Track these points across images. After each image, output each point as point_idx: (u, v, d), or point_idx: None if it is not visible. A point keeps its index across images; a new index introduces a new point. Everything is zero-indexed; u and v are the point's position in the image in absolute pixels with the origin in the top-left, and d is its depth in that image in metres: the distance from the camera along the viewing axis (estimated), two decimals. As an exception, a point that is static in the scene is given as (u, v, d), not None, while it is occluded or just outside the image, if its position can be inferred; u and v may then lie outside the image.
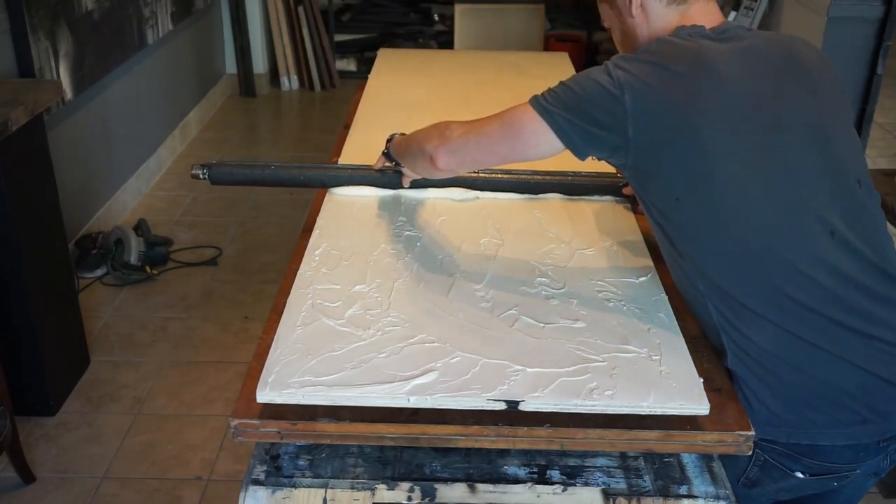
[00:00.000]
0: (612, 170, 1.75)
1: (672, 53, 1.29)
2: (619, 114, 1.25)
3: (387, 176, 1.76)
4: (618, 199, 1.79)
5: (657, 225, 1.36)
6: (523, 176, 1.78)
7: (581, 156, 1.32)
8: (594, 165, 1.57)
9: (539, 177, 1.79)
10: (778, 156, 1.27)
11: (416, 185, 1.75)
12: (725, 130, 1.25)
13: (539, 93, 1.35)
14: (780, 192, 1.26)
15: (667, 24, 1.36)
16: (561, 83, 1.33)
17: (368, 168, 1.78)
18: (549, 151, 1.34)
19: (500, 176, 1.78)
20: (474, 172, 1.77)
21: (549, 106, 1.31)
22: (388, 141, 1.71)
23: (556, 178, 1.79)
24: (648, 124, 1.25)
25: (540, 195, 1.78)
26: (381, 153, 1.74)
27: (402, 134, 1.67)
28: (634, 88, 1.25)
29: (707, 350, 1.34)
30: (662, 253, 1.41)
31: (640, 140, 1.26)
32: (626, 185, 1.75)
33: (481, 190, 1.78)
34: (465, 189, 1.77)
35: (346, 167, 1.81)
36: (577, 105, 1.28)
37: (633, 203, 1.74)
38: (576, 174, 1.78)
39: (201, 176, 1.75)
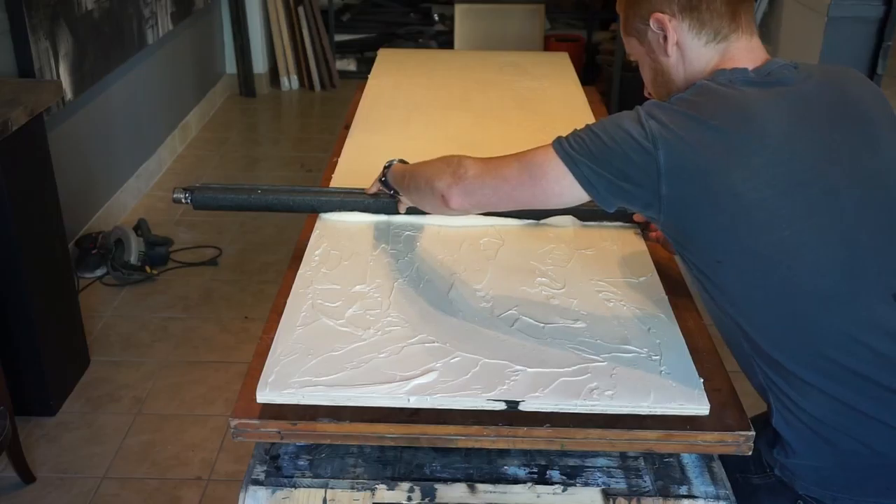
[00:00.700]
0: None
1: (712, 105, 1.17)
2: (652, 170, 1.14)
3: (381, 201, 1.65)
4: (628, 224, 1.67)
5: (697, 280, 1.26)
6: None
7: (608, 207, 1.22)
8: None
9: None
10: (833, 220, 1.15)
11: (412, 210, 1.63)
12: (773, 194, 1.13)
13: (563, 135, 1.24)
14: (835, 259, 1.15)
15: (704, 64, 1.25)
16: (588, 128, 1.22)
17: (362, 192, 1.67)
18: (572, 201, 1.23)
19: None
20: None
21: (574, 153, 1.20)
22: (386, 168, 1.59)
23: None
24: (684, 184, 1.14)
25: (543, 221, 1.67)
26: (376, 179, 1.63)
27: (402, 161, 1.59)
28: (669, 144, 1.14)
29: (707, 350, 1.34)
30: (702, 301, 1.31)
31: (675, 199, 1.15)
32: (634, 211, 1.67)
33: (481, 215, 1.65)
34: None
35: (337, 191, 1.69)
36: (604, 156, 1.17)
37: (644, 229, 1.65)
38: None
39: (183, 200, 1.63)
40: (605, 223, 1.66)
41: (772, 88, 1.19)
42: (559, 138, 1.23)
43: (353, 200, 1.66)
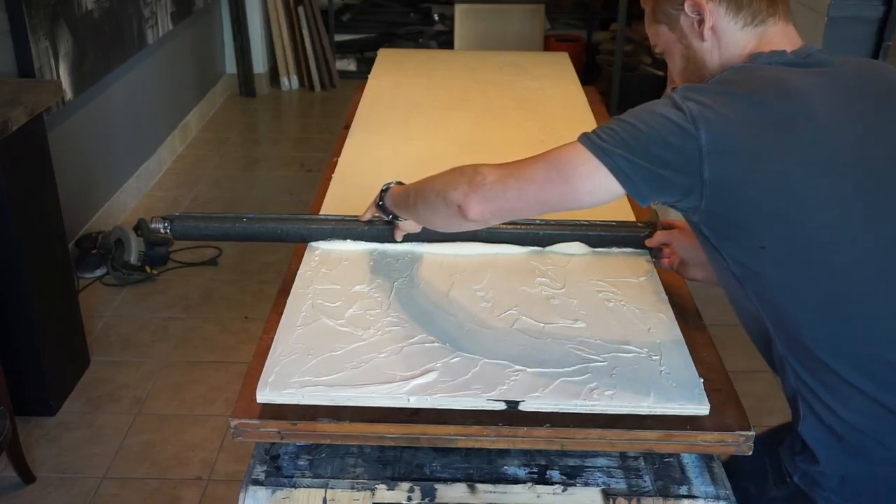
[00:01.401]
0: (628, 215, 1.67)
1: (753, 82, 1.12)
2: (693, 153, 1.07)
3: (376, 228, 1.55)
4: (639, 251, 1.57)
5: (732, 275, 1.18)
6: (530, 227, 1.56)
7: (644, 201, 1.14)
8: (612, 212, 1.55)
9: (549, 228, 1.56)
10: (885, 200, 1.11)
11: (409, 238, 1.54)
12: (821, 171, 1.08)
13: (587, 132, 1.16)
14: (883, 242, 1.10)
15: (741, 49, 1.20)
16: (616, 119, 1.15)
17: (355, 219, 1.56)
18: (605, 198, 1.15)
19: (502, 227, 1.54)
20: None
21: (606, 144, 1.12)
22: (383, 191, 1.48)
23: (568, 228, 1.57)
24: (728, 163, 1.08)
25: (548, 248, 1.57)
26: (371, 204, 1.51)
27: (399, 183, 1.48)
28: (711, 122, 1.07)
29: (707, 350, 1.34)
30: (732, 302, 1.25)
31: (717, 182, 1.08)
32: (648, 235, 1.55)
33: (483, 242, 1.55)
34: (463, 243, 1.55)
35: (328, 218, 1.59)
36: (640, 143, 1.10)
37: (655, 256, 1.55)
38: (590, 224, 1.57)
39: (162, 230, 1.53)
40: (615, 249, 1.57)
41: (813, 69, 1.15)
42: (585, 133, 1.15)
43: (346, 228, 1.56)
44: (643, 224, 1.59)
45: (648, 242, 1.54)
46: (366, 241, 1.56)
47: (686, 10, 1.21)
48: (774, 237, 1.11)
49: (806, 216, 1.09)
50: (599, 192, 1.14)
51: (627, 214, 1.70)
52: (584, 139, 1.14)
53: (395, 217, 1.47)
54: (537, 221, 1.55)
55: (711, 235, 1.16)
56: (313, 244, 1.56)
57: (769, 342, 1.20)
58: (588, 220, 1.57)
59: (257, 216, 1.56)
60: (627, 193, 1.13)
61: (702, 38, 1.21)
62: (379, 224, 1.54)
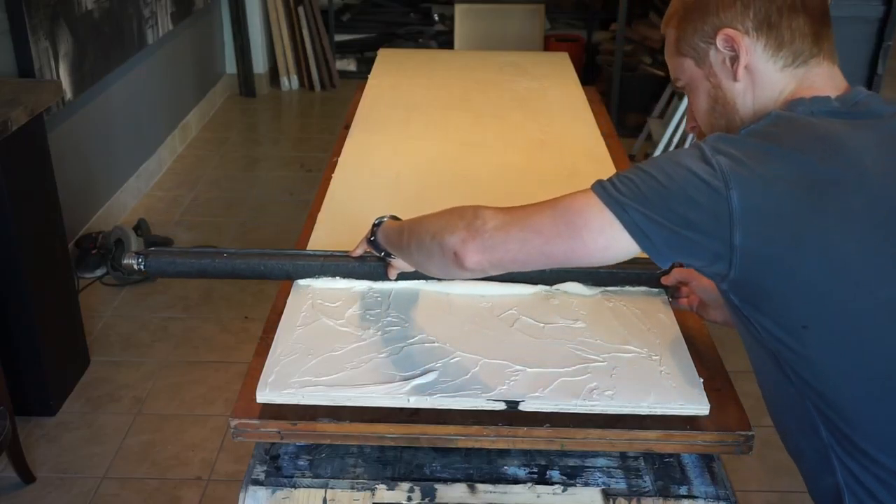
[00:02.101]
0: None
1: (795, 136, 0.99)
2: (723, 214, 0.95)
3: (368, 265, 1.42)
4: (654, 290, 1.44)
5: (765, 349, 1.06)
6: None
7: (663, 262, 1.02)
8: None
9: None
10: None
11: (404, 276, 1.41)
12: (874, 243, 0.96)
13: (604, 179, 1.05)
14: None
15: (778, 93, 1.07)
16: (637, 168, 1.03)
17: (345, 255, 1.44)
18: (619, 255, 1.03)
19: None
20: None
21: (622, 197, 1.00)
22: (375, 225, 1.36)
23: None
24: (763, 230, 0.95)
25: (557, 287, 1.43)
26: (363, 239, 1.39)
27: (394, 217, 1.36)
28: (744, 181, 0.95)
29: (707, 350, 1.34)
30: (759, 375, 1.13)
31: (751, 249, 0.96)
32: (664, 273, 1.41)
33: (482, 281, 1.40)
34: (464, 281, 1.41)
35: (316, 254, 1.46)
36: (661, 199, 0.98)
37: (672, 294, 1.42)
38: None
39: (135, 266, 1.41)
40: (629, 288, 1.43)
41: (861, 120, 1.02)
42: (600, 181, 1.04)
43: (335, 265, 1.44)
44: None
45: (665, 280, 1.41)
46: (357, 278, 1.44)
47: (718, 44, 1.08)
48: (820, 316, 0.98)
49: (857, 294, 0.96)
50: (613, 249, 1.03)
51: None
52: (599, 188, 1.03)
53: (388, 254, 1.35)
54: None
55: (743, 306, 1.04)
56: (300, 282, 1.44)
57: (810, 428, 1.05)
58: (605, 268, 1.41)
59: (239, 251, 1.43)
60: (644, 252, 1.02)
61: (734, 77, 1.08)
62: (371, 261, 1.41)
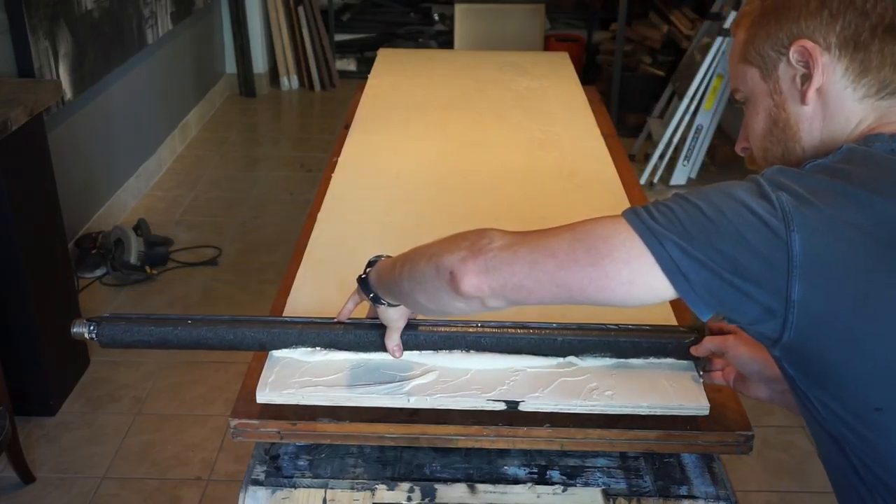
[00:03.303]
0: (666, 317, 1.35)
1: (871, 175, 0.84)
2: (780, 260, 0.80)
3: (353, 334, 1.22)
4: (682, 362, 1.24)
5: (827, 433, 0.89)
6: (545, 331, 1.23)
7: (701, 311, 0.86)
8: (641, 314, 1.23)
9: (568, 332, 1.23)
10: None
11: (407, 346, 1.21)
12: None
13: (638, 206, 0.89)
14: None
15: (852, 126, 0.91)
16: (678, 196, 0.86)
17: (328, 322, 1.23)
18: (645, 296, 0.87)
19: (512, 331, 1.22)
20: (482, 326, 1.22)
21: (657, 226, 0.84)
22: (370, 264, 1.16)
23: (593, 334, 1.23)
24: (829, 285, 0.80)
25: (570, 360, 1.24)
26: (353, 293, 1.19)
27: (390, 257, 1.13)
28: (809, 223, 0.80)
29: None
30: (825, 467, 0.97)
31: (811, 308, 0.80)
32: (694, 342, 1.20)
33: (488, 351, 1.23)
34: (462, 354, 1.23)
35: (295, 321, 1.26)
36: (705, 235, 0.82)
37: (703, 367, 1.22)
38: (620, 328, 1.23)
39: (87, 335, 1.21)
40: (653, 360, 1.23)
41: None
42: (632, 208, 0.88)
43: (316, 333, 1.23)
44: (686, 329, 1.25)
45: (695, 351, 1.20)
46: (341, 349, 1.23)
47: (791, 57, 0.92)
48: None
49: None
50: (639, 286, 0.86)
51: (665, 316, 1.37)
52: (630, 214, 0.87)
53: (377, 299, 1.13)
54: (554, 325, 1.22)
55: (799, 379, 0.88)
56: (275, 353, 1.24)
57: None
58: (617, 324, 1.23)
59: (206, 318, 1.23)
60: (679, 296, 0.85)
61: (802, 100, 0.92)
62: (360, 329, 1.22)
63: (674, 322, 1.36)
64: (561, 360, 1.23)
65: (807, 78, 0.91)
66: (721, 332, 1.17)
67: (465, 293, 0.93)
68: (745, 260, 0.81)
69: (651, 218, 0.85)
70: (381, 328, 1.19)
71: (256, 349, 1.26)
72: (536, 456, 1.22)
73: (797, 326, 0.81)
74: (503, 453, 1.22)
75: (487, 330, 1.22)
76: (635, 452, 1.22)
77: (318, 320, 1.25)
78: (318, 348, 1.23)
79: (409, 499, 1.18)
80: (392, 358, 1.21)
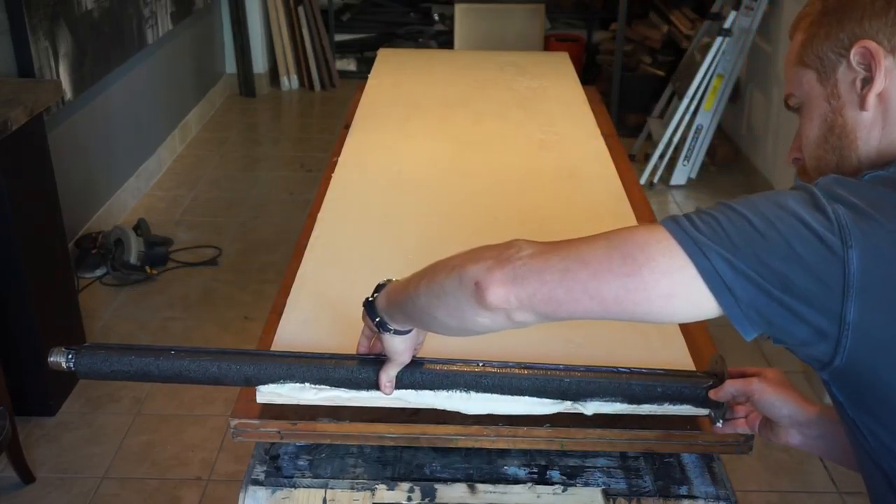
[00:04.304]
0: (679, 358, 1.28)
1: None
2: (835, 278, 0.75)
3: (347, 368, 1.13)
4: (702, 410, 1.15)
5: (876, 466, 0.84)
6: (550, 372, 1.13)
7: (747, 331, 0.80)
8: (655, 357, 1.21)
9: (578, 374, 1.13)
10: None
11: (401, 384, 1.11)
12: None
13: (680, 214, 0.83)
14: None
15: None
16: (723, 205, 0.81)
17: (319, 356, 1.15)
18: (684, 311, 0.81)
19: (516, 371, 1.13)
20: (484, 366, 1.13)
21: (701, 237, 0.78)
22: (376, 291, 1.06)
23: (604, 376, 1.13)
24: (889, 306, 0.75)
25: (575, 404, 1.15)
26: (365, 328, 1.09)
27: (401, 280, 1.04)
28: (868, 238, 0.75)
29: (707, 350, 1.34)
30: (870, 494, 0.90)
31: (867, 330, 0.76)
32: (713, 386, 1.11)
33: (489, 392, 1.14)
34: (464, 395, 1.14)
35: (284, 355, 1.18)
36: (754, 248, 0.77)
37: (720, 416, 1.12)
38: (633, 372, 1.14)
39: (64, 365, 1.15)
40: (668, 406, 1.15)
41: None
42: (672, 217, 0.82)
43: (305, 368, 1.14)
44: (704, 373, 1.16)
45: (715, 395, 1.10)
46: (332, 385, 1.15)
47: (852, 59, 0.87)
48: None
49: None
50: (679, 299, 0.80)
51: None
52: (670, 223, 0.81)
53: (383, 325, 1.03)
54: (560, 366, 1.14)
55: (849, 405, 0.83)
56: (262, 389, 1.16)
57: None
58: (629, 367, 1.15)
59: (189, 349, 1.15)
60: (724, 313, 0.79)
61: (862, 105, 0.87)
62: (356, 364, 1.13)
63: (692, 368, 1.27)
64: (567, 403, 1.14)
65: (867, 81, 0.86)
66: (743, 375, 1.09)
67: (491, 304, 0.85)
68: (796, 277, 0.75)
69: (693, 227, 0.79)
70: (377, 363, 1.09)
71: (241, 384, 1.17)
72: (536, 456, 1.22)
73: (851, 350, 0.77)
74: (503, 453, 1.22)
75: (489, 370, 1.13)
76: (635, 452, 1.22)
77: (309, 355, 1.16)
78: (307, 384, 1.15)
79: (409, 499, 1.18)
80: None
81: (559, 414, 1.16)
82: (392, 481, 1.18)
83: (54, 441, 2.46)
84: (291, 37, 5.67)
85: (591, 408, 1.14)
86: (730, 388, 1.08)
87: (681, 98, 4.21)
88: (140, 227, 3.53)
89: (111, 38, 3.54)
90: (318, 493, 1.17)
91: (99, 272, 3.32)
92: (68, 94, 3.14)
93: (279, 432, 1.17)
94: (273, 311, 1.40)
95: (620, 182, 1.89)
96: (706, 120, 4.16)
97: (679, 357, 1.27)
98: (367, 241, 1.61)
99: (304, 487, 1.17)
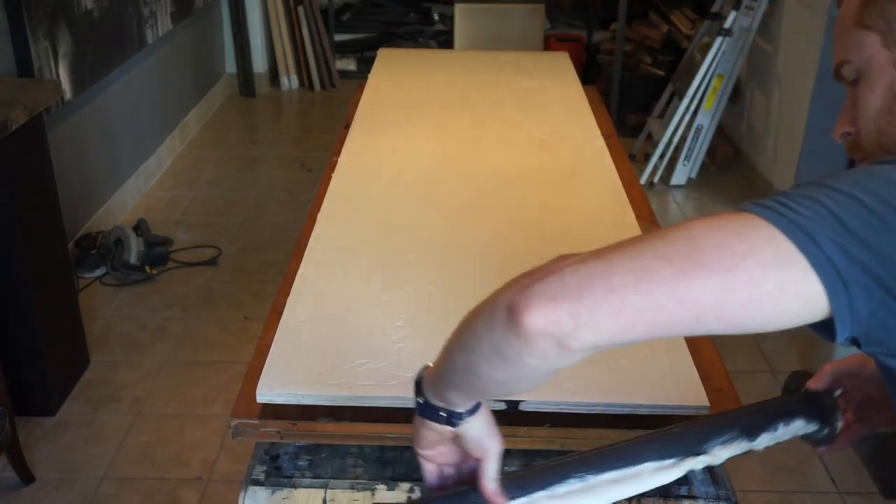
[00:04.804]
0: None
1: None
2: None
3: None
4: (813, 430, 1.00)
5: None
6: (669, 430, 0.96)
7: (844, 333, 0.66)
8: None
9: (694, 428, 0.96)
10: None
11: (509, 493, 0.86)
12: None
13: (768, 199, 0.69)
14: None
15: None
16: (817, 185, 0.68)
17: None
18: (795, 311, 0.66)
19: (632, 441, 0.94)
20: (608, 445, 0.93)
21: (807, 221, 0.65)
22: (418, 392, 0.88)
23: (723, 418, 0.98)
24: None
25: (701, 460, 0.94)
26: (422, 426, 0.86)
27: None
28: None
29: (707, 350, 1.34)
30: None
31: None
32: (801, 381, 1.00)
33: (608, 471, 0.90)
34: (581, 482, 0.89)
35: None
36: (872, 233, 0.64)
37: (827, 438, 0.97)
38: (742, 408, 1.03)
39: None
40: (783, 429, 0.99)
41: None
42: (757, 202, 0.68)
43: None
44: (794, 379, 1.03)
45: (815, 383, 0.98)
46: None
47: None
48: None
49: None
50: (790, 297, 0.65)
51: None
52: (763, 209, 0.66)
53: (453, 416, 0.83)
54: (674, 427, 0.96)
55: None
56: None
57: None
58: (741, 408, 1.04)
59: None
60: (832, 313, 0.65)
61: None
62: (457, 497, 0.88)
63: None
64: (690, 461, 0.93)
65: None
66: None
67: (532, 331, 0.65)
68: None
69: (793, 211, 0.65)
70: (469, 489, 0.85)
71: None
72: (536, 456, 1.22)
73: None
74: (503, 453, 1.22)
75: (604, 448, 0.93)
76: (635, 452, 1.22)
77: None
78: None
79: (410, 499, 1.18)
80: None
81: (559, 414, 1.16)
82: (392, 481, 1.18)
83: (54, 441, 2.46)
84: (291, 37, 5.67)
85: (719, 456, 0.94)
86: (830, 369, 0.96)
87: (681, 98, 4.21)
88: (140, 227, 3.53)
89: (111, 38, 3.54)
90: (318, 494, 1.17)
91: (99, 272, 3.32)
92: (68, 94, 3.14)
93: (279, 432, 1.17)
94: (273, 311, 1.40)
95: (620, 182, 1.89)
96: (706, 120, 4.16)
97: (679, 357, 1.27)
98: (367, 241, 1.61)
99: (304, 487, 1.17)
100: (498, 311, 0.67)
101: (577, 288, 0.64)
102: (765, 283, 0.64)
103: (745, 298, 0.64)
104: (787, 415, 0.98)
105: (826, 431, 0.98)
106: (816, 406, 0.99)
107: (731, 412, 1.00)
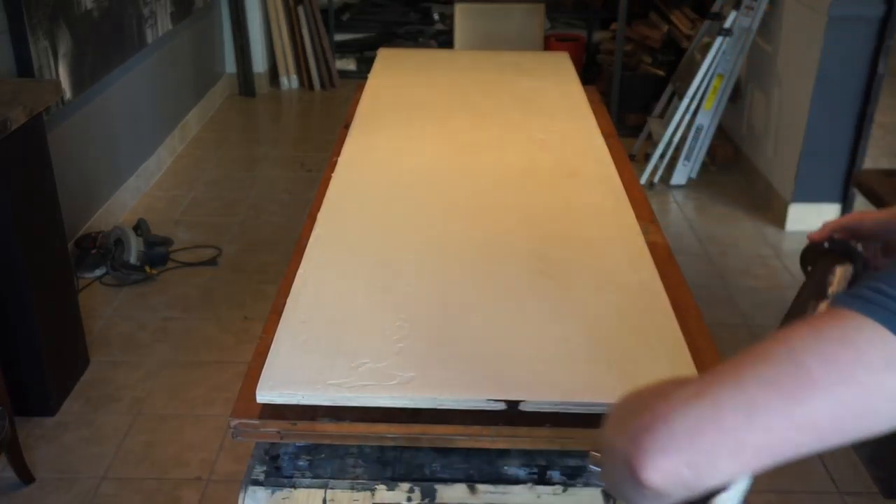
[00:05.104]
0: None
1: None
2: None
3: None
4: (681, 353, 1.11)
5: None
6: None
7: None
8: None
9: None
10: None
11: None
12: None
13: (865, 288, 0.63)
14: None
15: None
16: None
17: None
18: None
19: None
20: None
21: None
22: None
23: None
24: None
25: None
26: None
27: None
28: None
29: (707, 350, 1.34)
30: None
31: None
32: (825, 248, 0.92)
33: None
34: None
35: None
36: None
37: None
38: None
39: None
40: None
41: None
42: (849, 292, 0.63)
43: None
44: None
45: (815, 236, 0.94)
46: None
47: None
48: None
49: None
50: None
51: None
52: (857, 301, 0.61)
53: None
54: None
55: None
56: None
57: None
58: None
59: None
60: None
61: None
62: None
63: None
64: None
65: None
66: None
67: (655, 485, 0.62)
68: None
69: (889, 298, 0.60)
70: None
71: None
72: (537, 456, 1.22)
73: None
74: (503, 453, 1.22)
75: None
76: (635, 452, 1.22)
77: None
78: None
79: (409, 499, 1.18)
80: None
81: (559, 414, 1.16)
82: (392, 481, 1.18)
83: (54, 441, 2.46)
84: (291, 36, 5.67)
85: None
86: (831, 223, 0.93)
87: (681, 98, 4.21)
88: (140, 227, 3.53)
89: (111, 38, 3.54)
90: (318, 494, 1.17)
91: (99, 272, 3.32)
92: (68, 94, 3.14)
93: (279, 432, 1.17)
94: (273, 311, 1.40)
95: (620, 182, 1.89)
96: (706, 120, 4.16)
97: (679, 357, 1.27)
98: (367, 241, 1.61)
99: (304, 487, 1.17)
100: (618, 466, 0.65)
101: (688, 437, 0.61)
102: (879, 388, 0.59)
103: (861, 409, 0.60)
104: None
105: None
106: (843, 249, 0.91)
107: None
